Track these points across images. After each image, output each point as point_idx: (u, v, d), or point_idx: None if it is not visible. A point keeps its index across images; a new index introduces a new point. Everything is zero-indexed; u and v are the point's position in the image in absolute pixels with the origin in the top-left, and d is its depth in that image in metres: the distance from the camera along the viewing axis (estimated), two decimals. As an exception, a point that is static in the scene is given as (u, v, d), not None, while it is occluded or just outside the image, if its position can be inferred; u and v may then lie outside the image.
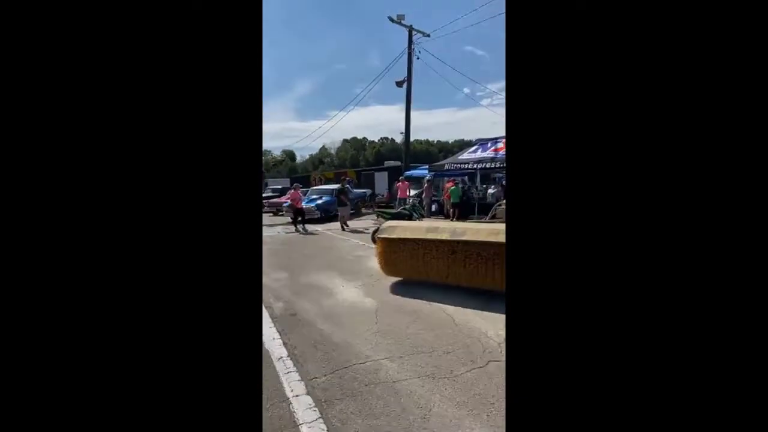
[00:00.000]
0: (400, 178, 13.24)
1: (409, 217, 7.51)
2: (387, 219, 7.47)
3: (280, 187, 20.27)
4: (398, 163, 21.68)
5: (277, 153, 73.12)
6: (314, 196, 13.69)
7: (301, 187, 11.01)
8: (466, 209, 11.16)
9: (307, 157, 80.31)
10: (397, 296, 4.16)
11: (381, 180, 18.32)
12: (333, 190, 14.11)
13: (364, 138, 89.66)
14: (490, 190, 11.64)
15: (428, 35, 15.53)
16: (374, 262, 5.82)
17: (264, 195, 17.88)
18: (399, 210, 7.72)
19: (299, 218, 10.38)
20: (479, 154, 11.75)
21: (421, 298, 3.98)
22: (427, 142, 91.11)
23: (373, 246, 7.05)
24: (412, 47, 15.19)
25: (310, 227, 11.17)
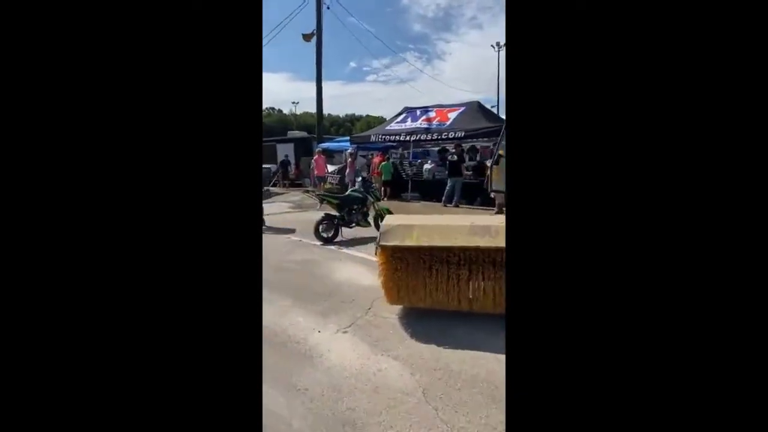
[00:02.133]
0: (317, 150, 10.99)
1: (363, 201, 5.69)
2: (334, 204, 5.50)
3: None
4: (304, 133, 19.06)
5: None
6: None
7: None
8: (398, 187, 9.81)
9: (179, 126, 68.57)
10: (432, 346, 2.43)
11: (285, 153, 15.60)
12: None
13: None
14: (427, 166, 10.41)
15: (339, -18, 13.17)
16: (345, 274, 3.91)
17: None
18: (349, 192, 5.78)
19: None
20: (410, 124, 10.36)
21: (479, 348, 2.35)
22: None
23: (321, 244, 5.07)
24: (322, -6, 12.70)
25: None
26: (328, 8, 12.82)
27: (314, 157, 10.79)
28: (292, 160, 15.13)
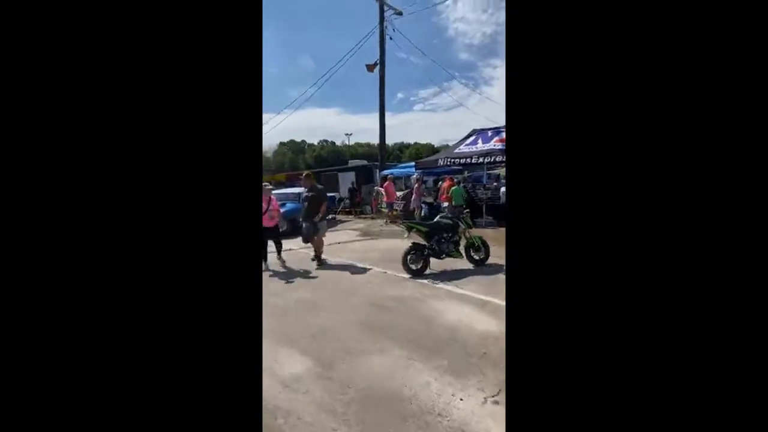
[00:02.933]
0: (387, 176, 10.67)
1: (455, 229, 5.10)
2: (423, 233, 4.97)
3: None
4: (364, 162, 19.17)
5: (206, 157, 65.80)
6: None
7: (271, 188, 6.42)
8: (473, 212, 9.13)
9: (241, 161, 73.83)
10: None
11: (346, 181, 15.62)
12: (298, 194, 11.21)
13: (303, 141, 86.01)
14: (504, 189, 9.66)
15: (400, 13, 13.32)
16: (453, 315, 3.31)
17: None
18: (438, 219, 5.23)
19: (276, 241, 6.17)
20: (481, 146, 9.76)
21: None
22: (368, 144, 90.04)
23: (410, 277, 4.51)
24: (384, 24, 12.86)
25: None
26: (391, 39, 12.91)
27: (384, 184, 10.46)
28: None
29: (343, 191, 14.92)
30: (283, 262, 6.01)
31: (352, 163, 18.44)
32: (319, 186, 6.11)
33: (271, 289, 4.32)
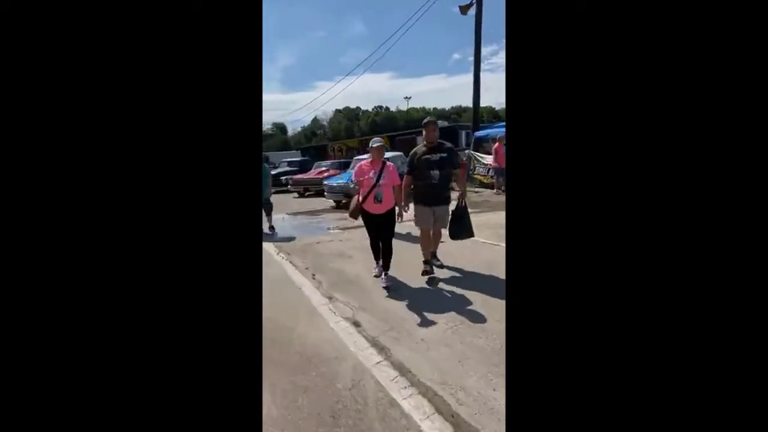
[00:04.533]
0: (498, 138, 8.89)
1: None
2: None
3: (297, 159, 15.83)
4: (444, 122, 17.37)
5: (266, 127, 67.63)
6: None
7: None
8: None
9: (299, 129, 75.18)
10: None
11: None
12: (386, 158, 9.91)
13: (358, 107, 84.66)
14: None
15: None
16: None
17: (278, 171, 13.59)
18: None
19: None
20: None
21: None
22: (423, 109, 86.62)
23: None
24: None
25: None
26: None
27: (495, 146, 8.77)
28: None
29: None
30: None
31: (432, 124, 16.75)
32: (446, 143, 3.44)
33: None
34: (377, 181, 3.22)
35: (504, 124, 10.94)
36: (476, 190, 9.50)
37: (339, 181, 8.97)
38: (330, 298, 3.17)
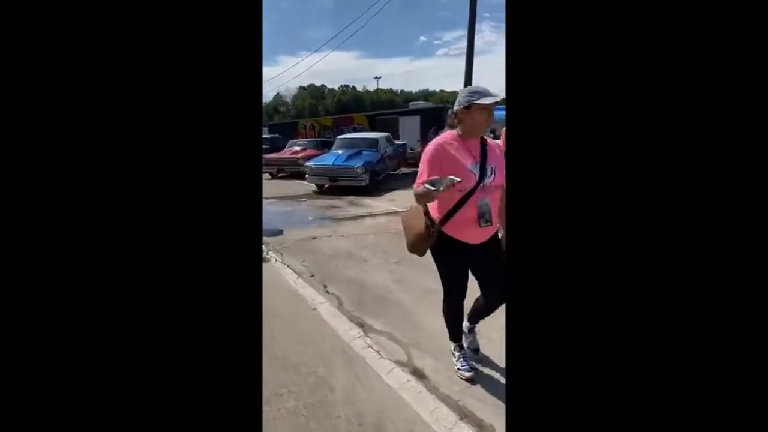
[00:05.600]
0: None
1: None
2: None
3: (267, 137, 14.34)
4: (426, 104, 16.53)
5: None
6: (343, 151, 8.44)
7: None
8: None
9: (260, 104, 71.31)
10: None
11: (409, 127, 13.23)
12: (375, 139, 9.00)
13: (323, 85, 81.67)
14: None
15: None
16: None
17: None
18: None
19: None
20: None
21: None
22: (391, 91, 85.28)
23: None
24: None
25: (356, 203, 6.21)
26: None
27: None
28: (416, 136, 12.71)
29: (406, 139, 12.57)
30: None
31: (414, 105, 15.77)
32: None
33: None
34: (483, 177, 1.59)
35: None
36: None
37: (323, 162, 7.97)
38: (362, 326, 2.34)
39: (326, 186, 7.96)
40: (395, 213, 5.69)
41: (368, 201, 6.80)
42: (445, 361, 1.93)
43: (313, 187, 8.12)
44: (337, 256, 3.71)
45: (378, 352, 2.05)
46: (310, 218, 5.59)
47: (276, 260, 3.60)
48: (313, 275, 3.20)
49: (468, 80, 10.68)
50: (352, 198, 7.08)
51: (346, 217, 5.55)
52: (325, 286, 2.96)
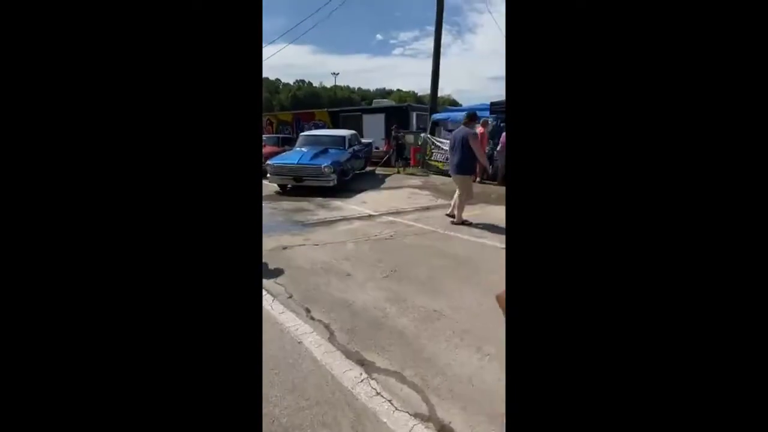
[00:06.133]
0: (481, 120, 7.93)
1: None
2: None
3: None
4: (390, 102, 16.13)
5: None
6: (308, 149, 7.89)
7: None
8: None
9: (209, 97, 67.53)
10: None
11: (374, 125, 12.83)
12: (342, 137, 8.52)
13: (277, 80, 78.85)
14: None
15: None
16: None
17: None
18: None
19: None
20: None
21: None
22: (348, 88, 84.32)
23: None
24: None
25: (325, 205, 5.76)
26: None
27: (479, 129, 7.75)
28: (382, 133, 12.37)
29: (372, 137, 12.18)
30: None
31: (378, 103, 15.34)
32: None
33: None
34: None
35: (455, 108, 10.28)
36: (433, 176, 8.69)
37: (287, 161, 7.36)
38: (363, 365, 1.94)
39: (290, 186, 7.38)
40: (369, 217, 5.31)
41: (338, 203, 6.34)
42: (476, 410, 1.59)
43: (275, 187, 7.49)
44: (316, 271, 3.25)
45: (390, 401, 1.67)
46: (276, 222, 5.04)
47: (244, 277, 3.08)
48: (291, 296, 2.73)
49: (435, 79, 10.50)
50: (319, 200, 6.58)
51: (317, 222, 5.07)
52: (308, 311, 2.51)
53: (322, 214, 5.54)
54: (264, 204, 6.39)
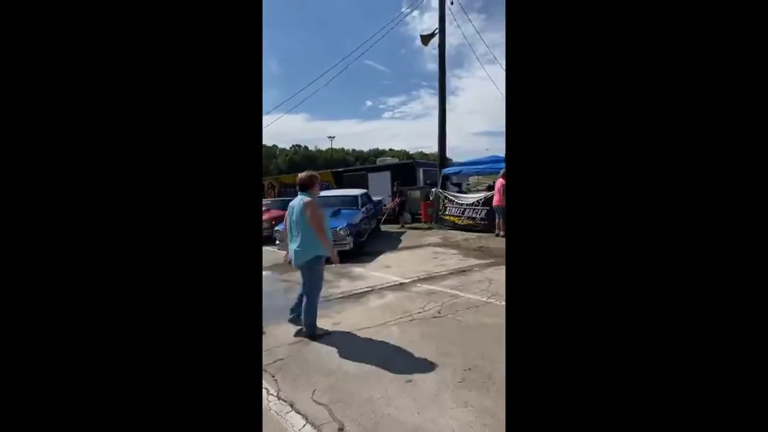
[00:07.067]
0: (501, 172, 7.45)
1: None
2: None
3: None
4: (395, 159, 16.03)
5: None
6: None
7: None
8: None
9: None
10: None
11: (379, 183, 12.48)
12: (355, 197, 7.99)
13: (274, 145, 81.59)
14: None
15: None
16: None
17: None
18: None
19: None
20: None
21: None
22: (343, 150, 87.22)
23: None
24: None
25: (345, 273, 4.99)
26: (452, 3, 10.09)
27: (497, 184, 7.29)
28: (389, 191, 11.98)
29: (378, 195, 11.75)
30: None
31: (381, 161, 15.19)
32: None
33: None
34: None
35: (473, 160, 9.99)
36: (451, 232, 8.05)
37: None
38: None
39: (300, 253, 6.63)
40: (401, 286, 4.52)
41: (359, 270, 5.58)
42: None
43: (284, 255, 6.74)
44: (364, 375, 2.41)
45: None
46: (291, 302, 4.20)
47: (271, 395, 2.21)
48: (342, 429, 1.87)
49: (442, 134, 10.33)
50: (336, 267, 5.80)
51: (342, 297, 4.26)
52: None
53: (345, 286, 4.74)
54: (272, 275, 5.60)
